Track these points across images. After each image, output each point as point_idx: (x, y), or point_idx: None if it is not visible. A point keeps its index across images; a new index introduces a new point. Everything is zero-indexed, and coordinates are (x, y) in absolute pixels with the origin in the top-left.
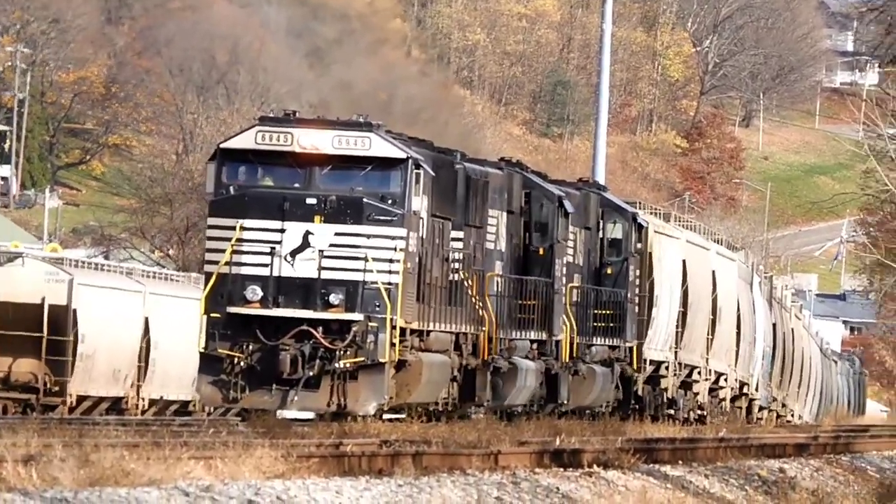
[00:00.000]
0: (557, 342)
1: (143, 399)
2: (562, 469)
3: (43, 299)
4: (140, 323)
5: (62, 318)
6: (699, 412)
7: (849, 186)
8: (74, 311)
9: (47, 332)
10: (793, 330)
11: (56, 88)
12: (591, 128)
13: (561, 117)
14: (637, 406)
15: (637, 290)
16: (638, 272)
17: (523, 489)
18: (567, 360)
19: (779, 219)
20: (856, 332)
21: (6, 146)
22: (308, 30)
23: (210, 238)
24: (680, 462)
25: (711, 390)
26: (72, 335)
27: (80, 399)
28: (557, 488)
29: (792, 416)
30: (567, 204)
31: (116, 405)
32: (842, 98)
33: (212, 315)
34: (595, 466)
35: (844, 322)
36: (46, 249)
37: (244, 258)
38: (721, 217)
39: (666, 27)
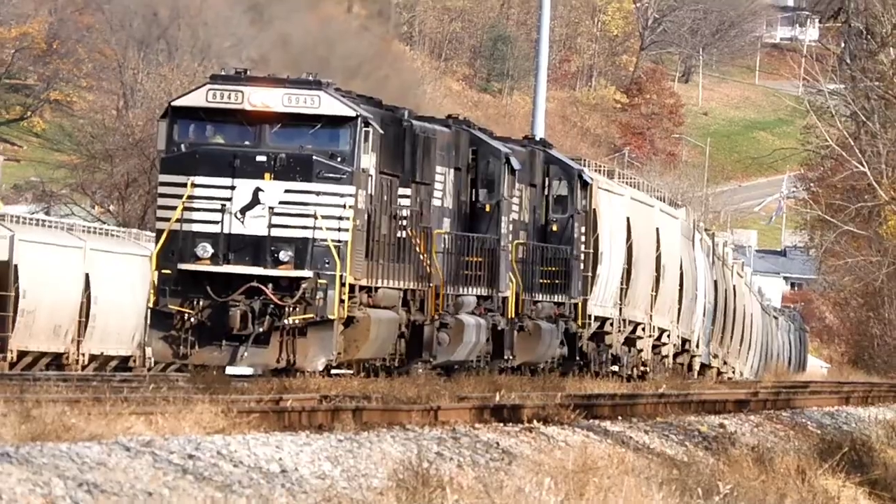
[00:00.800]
0: (504, 298)
1: (83, 355)
2: (502, 424)
3: None
4: (81, 279)
5: (3, 274)
6: (643, 369)
7: (789, 142)
8: (16, 266)
9: None
10: (734, 287)
11: None
12: (531, 83)
13: (501, 73)
14: (582, 362)
15: (582, 247)
16: (583, 229)
17: (463, 444)
18: (513, 316)
19: (719, 174)
20: (796, 288)
21: None
22: None
23: (161, 195)
24: (620, 418)
25: (654, 347)
26: (13, 291)
27: (21, 354)
28: (497, 443)
29: (733, 373)
30: (513, 161)
31: (57, 361)
32: (782, 54)
33: (163, 271)
34: (535, 422)
35: (785, 278)
36: None
37: (195, 215)
38: (661, 172)
39: None
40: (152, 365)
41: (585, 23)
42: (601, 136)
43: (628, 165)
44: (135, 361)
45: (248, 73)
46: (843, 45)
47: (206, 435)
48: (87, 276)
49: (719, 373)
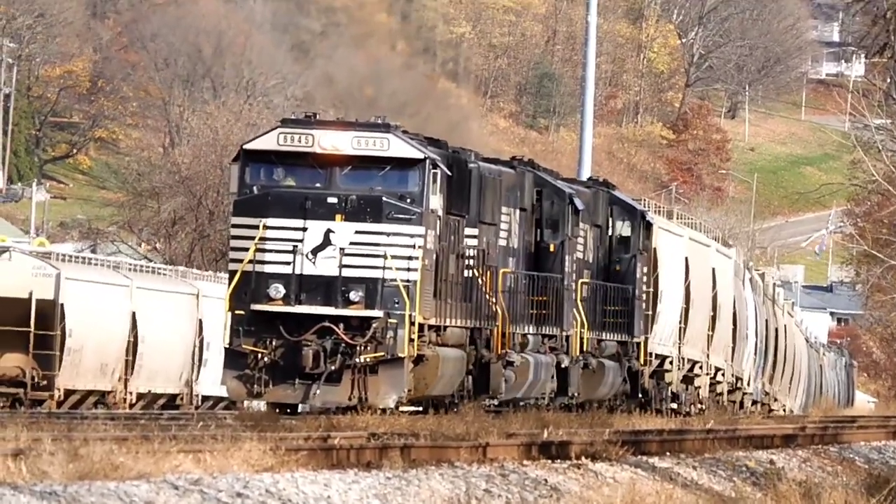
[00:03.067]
0: (568, 337)
1: (130, 393)
2: (550, 461)
3: (30, 294)
4: (127, 317)
5: (49, 313)
6: (700, 406)
7: (835, 177)
8: (62, 305)
9: (34, 327)
10: (785, 327)
11: (42, 83)
12: (577, 120)
13: (547, 109)
14: (643, 399)
15: (644, 287)
16: (645, 269)
17: (511, 481)
18: (577, 354)
19: (765, 210)
20: (842, 324)
21: None
22: (293, 23)
23: (234, 237)
24: (668, 454)
25: (710, 385)
26: (59, 329)
27: (68, 393)
28: (546, 480)
29: (783, 410)
30: (577, 201)
31: (104, 399)
32: (828, 89)
33: (236, 312)
34: (583, 458)
35: (831, 313)
36: (34, 244)
37: (267, 256)
38: (708, 208)
39: (651, 19)
40: (199, 403)
41: (631, 59)
42: (648, 172)
43: (675, 201)
44: (182, 399)
45: (318, 116)
46: (889, 80)
47: (255, 473)
48: (133, 314)
49: (770, 410)
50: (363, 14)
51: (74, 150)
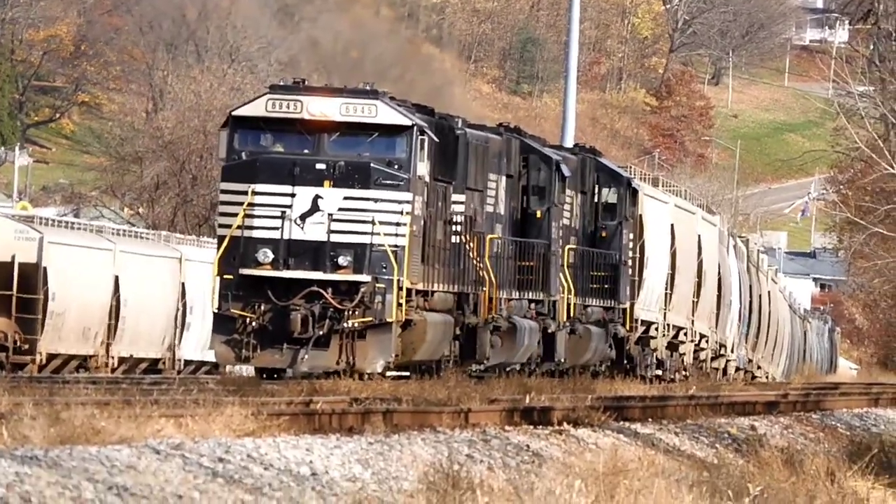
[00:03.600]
0: (554, 302)
1: (112, 357)
2: (532, 427)
3: (13, 257)
4: (110, 281)
5: (32, 276)
6: (684, 373)
7: (818, 144)
8: (44, 269)
9: (17, 290)
10: (769, 293)
11: (25, 46)
12: (561, 85)
13: (530, 75)
14: (629, 366)
15: (630, 253)
16: (631, 235)
17: (493, 447)
18: (564, 320)
19: (748, 176)
20: (825, 290)
21: None
22: None
23: (223, 202)
24: (650, 420)
25: (694, 351)
26: (42, 293)
27: (50, 357)
28: (528, 446)
29: (766, 377)
30: (564, 168)
31: (86, 364)
32: (811, 56)
33: (224, 277)
34: (565, 424)
35: (814, 279)
36: (16, 207)
37: (256, 222)
38: (691, 175)
39: None
40: (182, 367)
41: (615, 24)
42: (631, 138)
43: (659, 168)
44: (164, 364)
45: (306, 83)
46: (872, 47)
47: (237, 438)
48: (116, 278)
49: (753, 377)
50: None
51: (57, 115)
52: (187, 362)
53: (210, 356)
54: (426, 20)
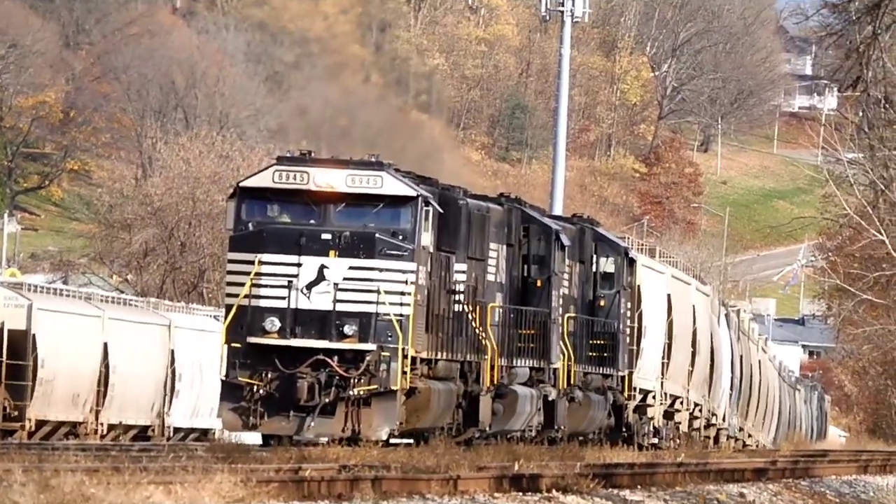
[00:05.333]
0: (555, 370)
1: (102, 424)
2: (521, 494)
3: (2, 324)
4: (99, 348)
5: (21, 343)
6: (679, 441)
7: (807, 211)
8: (34, 336)
9: (6, 357)
10: (760, 363)
11: (14, 113)
12: (550, 152)
13: (519, 142)
14: (627, 433)
15: (628, 322)
16: (629, 305)
17: None
18: (564, 387)
19: (737, 243)
20: (814, 357)
21: None
22: (266, 54)
23: (230, 272)
24: (639, 487)
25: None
26: (31, 360)
27: (40, 424)
28: None
29: (756, 445)
30: (563, 238)
31: (75, 430)
32: (800, 123)
33: (232, 345)
34: (554, 491)
35: (803, 346)
36: (5, 274)
37: (263, 291)
38: (680, 241)
39: (624, 52)
40: (171, 434)
41: (604, 91)
42: (620, 205)
43: (648, 235)
44: (153, 431)
45: (313, 154)
46: (861, 113)
47: None
48: (105, 345)
49: (744, 445)
50: (336, 44)
51: (46, 182)
52: (176, 429)
53: (199, 423)
54: (415, 87)
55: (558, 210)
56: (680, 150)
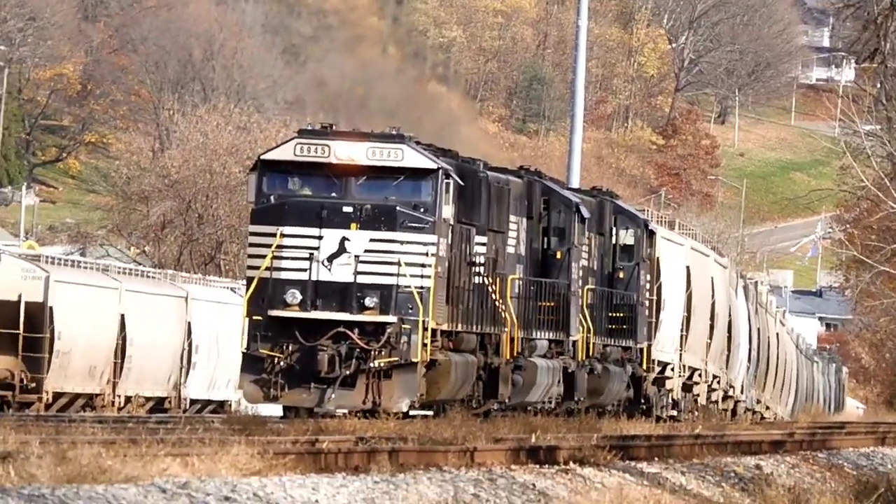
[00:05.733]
0: (574, 342)
1: (119, 396)
2: (538, 466)
3: (19, 296)
4: (116, 320)
5: (38, 315)
6: (697, 413)
7: (825, 183)
8: (51, 308)
9: (23, 329)
10: (777, 335)
11: (32, 85)
12: (567, 124)
13: (537, 113)
14: (645, 405)
15: (647, 294)
16: (648, 277)
17: (499, 486)
18: (583, 359)
19: (755, 215)
20: (832, 329)
21: None
22: (284, 27)
23: (251, 244)
24: (656, 459)
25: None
26: (48, 332)
27: (57, 396)
28: (534, 485)
29: (774, 417)
30: (583, 210)
31: (92, 402)
32: (818, 94)
33: (253, 317)
34: (571, 463)
35: (820, 318)
36: (23, 246)
37: (284, 263)
38: (697, 213)
39: (641, 23)
40: (187, 406)
41: (621, 63)
42: (637, 177)
43: (664, 206)
44: (170, 402)
45: (334, 127)
46: (879, 85)
47: (243, 477)
48: (122, 317)
49: (762, 417)
50: (354, 17)
51: (64, 154)
52: (193, 401)
53: (216, 395)
54: (432, 59)
55: (575, 182)
56: (697, 121)
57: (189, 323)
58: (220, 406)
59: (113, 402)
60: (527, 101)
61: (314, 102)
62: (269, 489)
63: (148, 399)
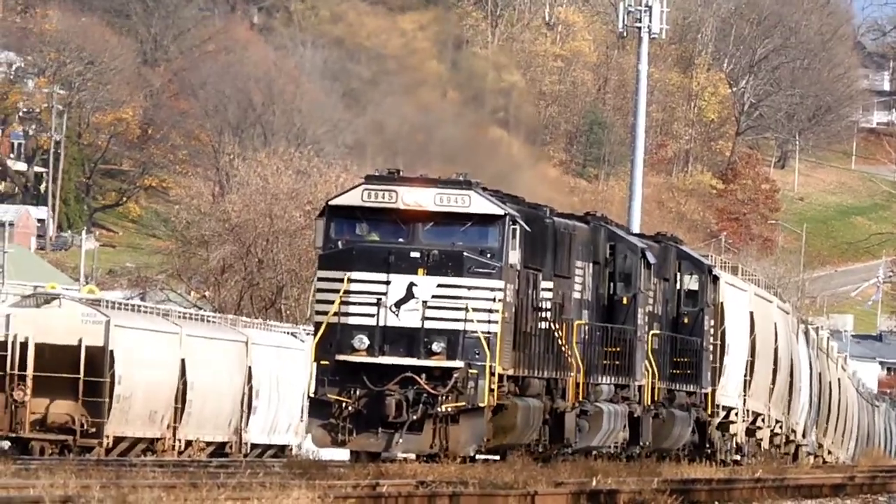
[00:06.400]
0: (640, 387)
1: (179, 440)
2: None
3: (80, 341)
4: (177, 364)
5: (99, 360)
6: (760, 458)
7: (885, 227)
8: (111, 352)
9: (84, 374)
10: (839, 380)
11: (92, 130)
12: (628, 168)
13: (597, 158)
14: (710, 450)
15: (711, 339)
16: (712, 322)
17: None
18: (649, 403)
19: (815, 259)
20: (892, 373)
21: (43, 188)
22: (343, 71)
23: (319, 290)
24: (716, 502)
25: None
26: (108, 376)
27: (117, 440)
28: None
29: (836, 462)
30: (649, 255)
31: (153, 447)
32: (878, 138)
33: (321, 362)
34: None
35: (881, 362)
36: (83, 291)
37: (352, 308)
38: (757, 258)
39: (702, 68)
40: (248, 450)
41: (681, 108)
42: (697, 221)
43: (724, 251)
44: (231, 447)
45: (401, 173)
46: None
47: None
48: (182, 361)
49: (823, 461)
50: (413, 62)
51: (124, 198)
52: (254, 445)
53: (276, 439)
54: (492, 103)
55: (636, 226)
56: (757, 166)
57: (249, 367)
58: (281, 450)
59: (173, 447)
60: (587, 145)
61: (374, 146)
62: None
63: (208, 443)
